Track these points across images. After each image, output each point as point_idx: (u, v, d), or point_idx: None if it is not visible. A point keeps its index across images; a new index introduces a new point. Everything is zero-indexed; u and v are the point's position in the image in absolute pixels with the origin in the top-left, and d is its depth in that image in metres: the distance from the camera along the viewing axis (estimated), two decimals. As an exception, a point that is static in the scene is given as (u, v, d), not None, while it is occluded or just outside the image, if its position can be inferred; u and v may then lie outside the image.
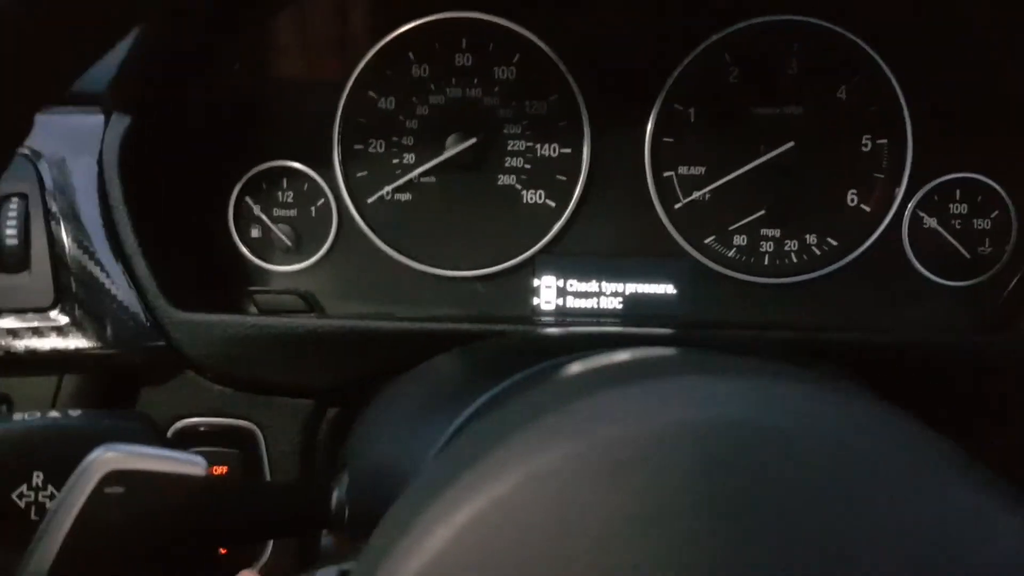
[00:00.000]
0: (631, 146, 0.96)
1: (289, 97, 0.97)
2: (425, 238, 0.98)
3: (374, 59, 0.96)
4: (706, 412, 0.37)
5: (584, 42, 0.95)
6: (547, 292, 0.97)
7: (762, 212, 0.95)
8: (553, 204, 0.97)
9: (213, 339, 0.83)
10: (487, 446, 0.38)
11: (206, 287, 0.94)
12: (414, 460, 0.53)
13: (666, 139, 0.96)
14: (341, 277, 0.98)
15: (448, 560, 0.35)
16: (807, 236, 0.96)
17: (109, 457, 0.48)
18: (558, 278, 0.97)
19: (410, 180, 0.97)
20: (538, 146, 0.97)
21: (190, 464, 0.49)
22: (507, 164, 0.97)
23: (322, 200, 0.97)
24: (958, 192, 0.95)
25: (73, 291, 0.83)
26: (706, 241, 0.97)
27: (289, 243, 0.97)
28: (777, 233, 0.97)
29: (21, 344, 0.82)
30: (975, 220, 0.96)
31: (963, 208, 0.96)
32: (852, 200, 0.96)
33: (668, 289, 0.97)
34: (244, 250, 0.98)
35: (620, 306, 0.97)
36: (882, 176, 0.95)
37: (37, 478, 0.55)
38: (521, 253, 0.97)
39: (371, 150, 0.97)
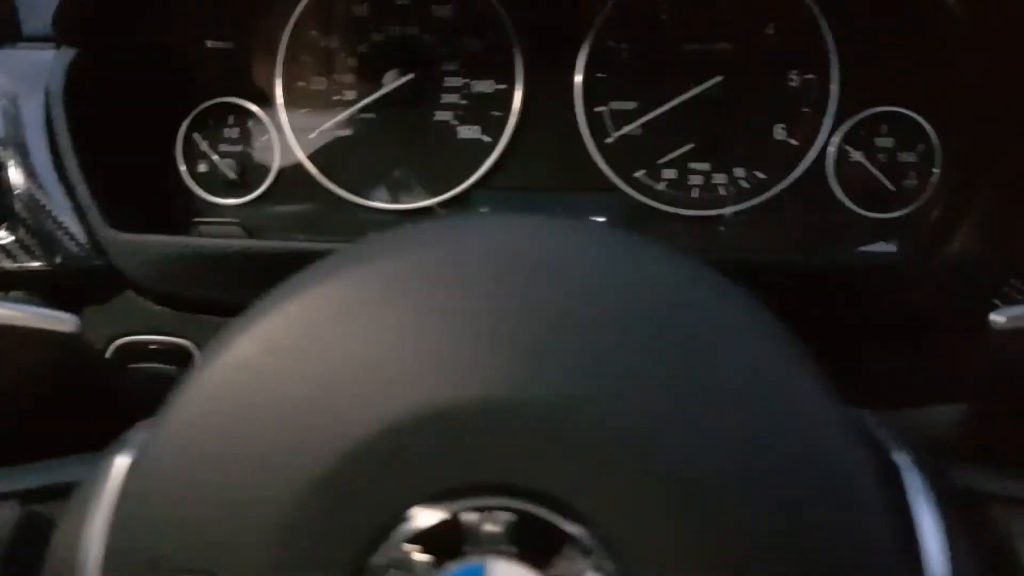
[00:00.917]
0: (563, 81, 0.99)
1: (234, 36, 1.00)
2: (365, 172, 1.01)
3: (315, -2, 1.00)
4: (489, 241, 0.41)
5: (517, -20, 0.98)
6: (483, 225, 1.00)
7: (691, 146, 0.98)
8: (488, 139, 1.00)
9: (149, 259, 0.87)
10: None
11: (155, 216, 0.98)
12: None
13: (598, 74, 0.99)
14: (283, 210, 1.02)
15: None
16: (735, 169, 0.99)
17: (-6, 313, 0.52)
18: (494, 211, 1.00)
19: (350, 116, 1.00)
20: (473, 83, 1.00)
21: (59, 321, 0.53)
22: (443, 100, 1.00)
23: (265, 136, 1.01)
24: (884, 127, 0.97)
25: (17, 213, 0.87)
26: (636, 175, 0.99)
27: (234, 176, 1.01)
28: (706, 167, 0.99)
29: (-34, 261, 0.87)
30: (900, 153, 0.97)
31: (889, 142, 0.97)
32: (779, 134, 0.98)
33: (600, 222, 1.00)
34: (191, 183, 1.02)
35: (554, 238, 1.00)
36: (808, 110, 0.98)
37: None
38: (457, 187, 1.00)
39: (313, 87, 1.01)
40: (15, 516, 0.41)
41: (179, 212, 1.01)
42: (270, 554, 0.37)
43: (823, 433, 0.39)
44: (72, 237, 0.88)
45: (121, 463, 0.43)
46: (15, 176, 0.88)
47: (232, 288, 0.88)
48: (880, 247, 0.97)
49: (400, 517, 0.37)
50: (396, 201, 1.01)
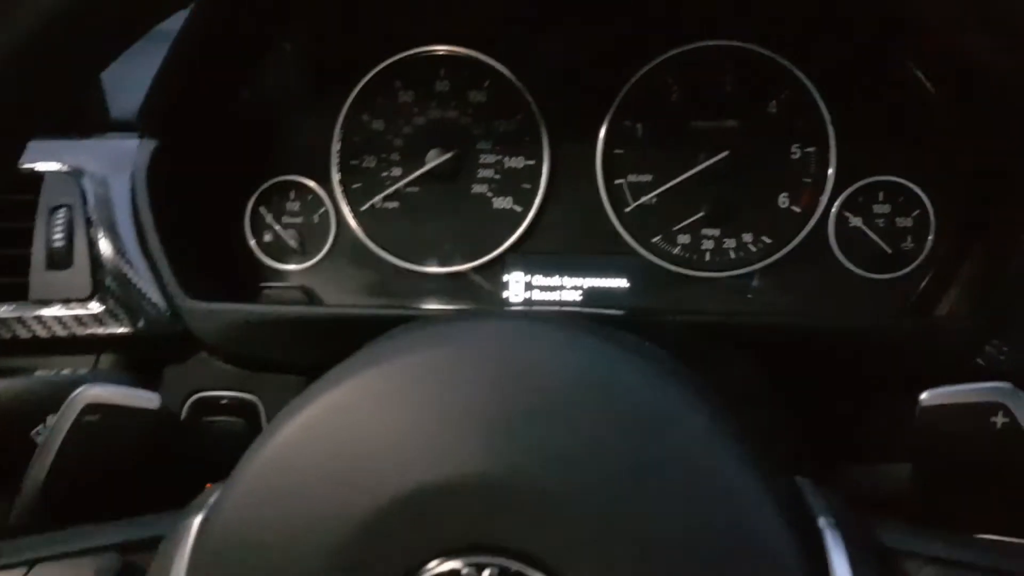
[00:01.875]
0: (585, 158, 1.10)
1: (294, 121, 1.13)
2: (409, 240, 1.13)
3: (366, 87, 1.12)
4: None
5: (542, 69, 1.09)
6: (515, 286, 1.11)
7: (703, 214, 1.08)
8: (519, 209, 1.11)
9: (220, 324, 0.99)
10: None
11: (225, 283, 1.11)
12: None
13: (617, 151, 1.09)
14: (339, 274, 1.14)
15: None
16: (743, 235, 1.08)
17: (88, 393, 0.64)
18: (525, 274, 1.11)
19: (397, 190, 1.12)
20: (505, 159, 1.11)
21: (145, 399, 0.65)
22: (479, 175, 1.12)
23: (323, 209, 1.14)
24: (881, 194, 1.06)
25: (107, 285, 1.00)
26: (653, 240, 1.10)
27: (295, 246, 1.14)
28: (717, 232, 1.09)
29: (64, 328, 1.00)
30: (897, 218, 1.06)
31: (886, 208, 1.06)
32: (783, 202, 1.07)
33: (621, 283, 1.10)
34: (258, 252, 1.14)
35: (580, 298, 1.10)
36: (810, 180, 1.07)
37: (50, 420, 0.71)
38: (492, 252, 1.12)
39: (364, 165, 1.13)
40: (117, 565, 0.53)
41: (248, 278, 1.14)
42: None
43: (748, 507, 0.48)
44: (153, 305, 1.01)
45: (195, 522, 0.54)
46: (105, 251, 1.01)
47: (292, 349, 1.01)
48: (877, 308, 1.05)
49: (420, 569, 0.48)
50: (438, 265, 1.12)
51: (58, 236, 1.00)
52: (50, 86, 0.52)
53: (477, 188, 1.12)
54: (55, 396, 0.72)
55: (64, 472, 0.65)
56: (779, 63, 1.06)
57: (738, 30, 1.06)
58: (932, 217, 1.05)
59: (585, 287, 1.10)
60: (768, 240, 1.08)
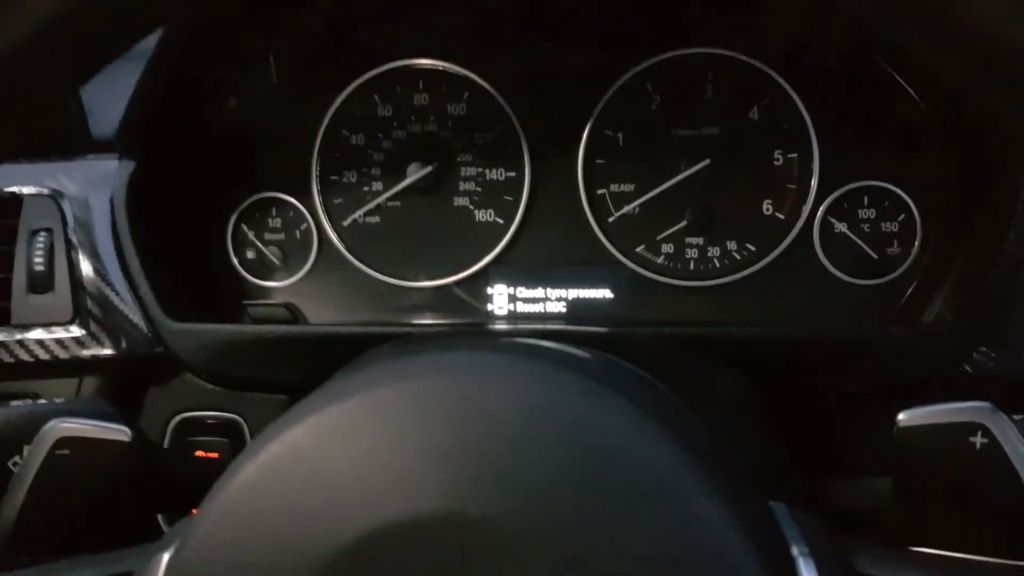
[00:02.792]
0: (566, 168, 1.09)
1: (273, 138, 1.13)
2: (392, 254, 1.12)
3: (344, 102, 1.12)
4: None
5: (522, 80, 1.08)
6: (499, 299, 1.11)
7: (685, 222, 1.07)
8: (501, 221, 1.11)
9: (201, 345, 0.99)
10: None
11: (207, 302, 1.10)
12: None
13: (598, 160, 1.09)
14: (322, 290, 1.14)
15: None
16: (728, 243, 1.07)
17: (59, 426, 0.64)
18: (508, 286, 1.11)
19: (378, 204, 1.12)
20: (487, 171, 1.11)
21: (118, 431, 0.65)
22: (461, 188, 1.11)
23: (305, 224, 1.13)
24: (866, 199, 1.05)
25: (89, 308, 1.00)
26: (637, 250, 1.09)
27: (278, 262, 1.13)
28: (700, 241, 1.08)
29: (46, 352, 1.00)
30: (883, 224, 1.05)
31: (871, 213, 1.05)
32: (767, 209, 1.07)
33: (606, 294, 1.09)
34: (241, 270, 1.14)
35: (564, 309, 1.10)
36: (794, 187, 1.06)
37: (26, 450, 0.71)
38: (475, 265, 1.11)
39: (345, 180, 1.13)
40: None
41: (231, 296, 1.13)
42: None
43: (717, 538, 0.47)
44: (135, 327, 1.00)
45: (164, 558, 0.54)
46: (86, 274, 1.01)
47: (276, 368, 1.01)
48: (864, 315, 1.05)
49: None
50: (422, 279, 1.12)
51: (39, 260, 1.00)
52: (20, 107, 0.52)
53: (459, 201, 1.12)
54: (32, 426, 0.72)
55: (37, 507, 0.65)
56: (760, 69, 1.05)
57: (718, 37, 1.05)
58: (918, 222, 1.04)
59: (569, 298, 1.10)
60: (752, 248, 1.07)
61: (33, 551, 0.67)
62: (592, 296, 1.09)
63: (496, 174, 1.11)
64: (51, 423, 0.65)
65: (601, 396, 0.51)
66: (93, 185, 1.05)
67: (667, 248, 1.09)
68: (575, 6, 1.07)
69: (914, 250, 1.04)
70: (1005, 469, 0.61)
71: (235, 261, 1.14)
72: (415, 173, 1.10)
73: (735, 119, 1.06)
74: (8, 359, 1.00)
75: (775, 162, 1.06)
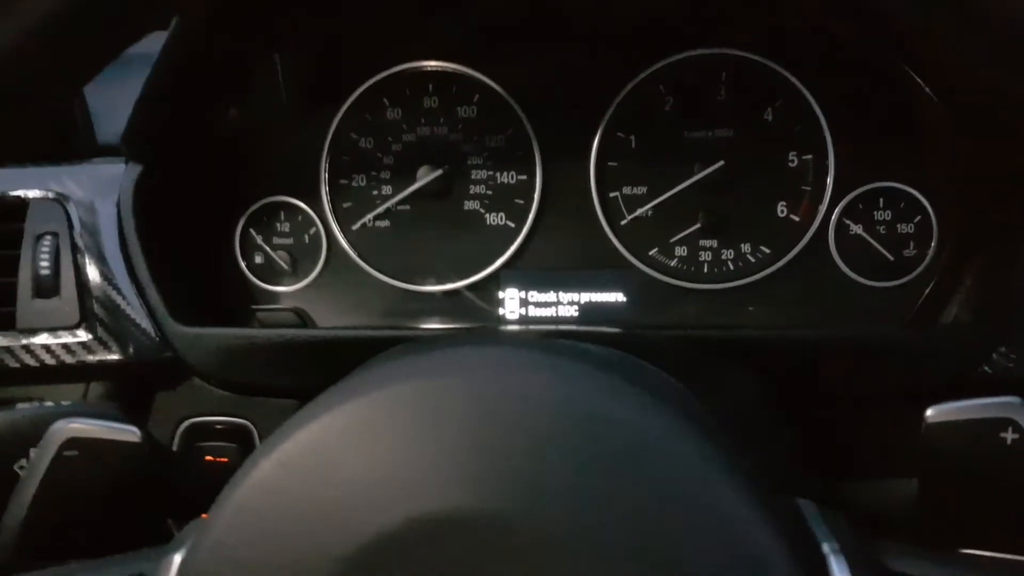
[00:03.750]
0: (578, 171, 1.08)
1: (281, 141, 1.12)
2: (402, 258, 1.11)
3: (353, 105, 1.10)
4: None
5: (532, 82, 1.07)
6: (511, 303, 1.10)
7: (698, 225, 1.06)
8: (513, 225, 1.10)
9: (210, 349, 0.97)
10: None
11: (216, 307, 1.09)
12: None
13: (610, 163, 1.07)
14: (331, 295, 1.12)
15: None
16: (742, 245, 1.06)
17: (67, 427, 0.62)
18: (520, 290, 1.09)
19: (388, 208, 1.10)
20: (497, 174, 1.10)
21: (127, 432, 0.63)
22: (471, 191, 1.10)
23: (314, 229, 1.12)
24: (881, 200, 1.04)
25: (95, 312, 0.99)
26: (650, 253, 1.08)
27: (287, 267, 1.12)
28: (714, 243, 1.07)
29: (52, 357, 0.98)
30: (899, 225, 1.04)
31: (887, 214, 1.04)
32: (782, 211, 1.05)
33: (618, 297, 1.08)
34: (249, 274, 1.13)
35: (576, 314, 1.08)
36: (809, 188, 1.05)
37: (32, 453, 0.70)
38: (486, 269, 1.10)
39: (354, 184, 1.12)
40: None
41: (239, 301, 1.12)
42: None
43: (748, 536, 0.46)
44: (143, 332, 0.99)
45: (175, 560, 0.52)
46: (93, 278, 1.00)
47: (285, 373, 0.99)
48: (880, 318, 1.03)
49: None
50: (432, 284, 1.10)
51: (44, 264, 0.99)
52: (22, 108, 0.51)
53: (469, 205, 1.10)
54: (38, 429, 0.70)
55: (45, 509, 0.63)
56: (774, 70, 1.04)
57: (731, 38, 1.04)
58: (935, 223, 1.03)
59: (581, 302, 1.08)
60: (767, 250, 1.06)
61: (41, 554, 0.65)
62: (605, 300, 1.08)
63: (507, 177, 1.10)
64: (59, 423, 0.63)
65: (627, 392, 0.50)
66: (99, 189, 1.03)
67: (680, 251, 1.07)
68: (587, 7, 1.06)
69: (931, 251, 1.03)
70: (1037, 465, 0.60)
71: (243, 266, 1.13)
72: (425, 176, 1.09)
73: (749, 120, 1.05)
74: (13, 364, 0.98)
75: (790, 163, 1.05)
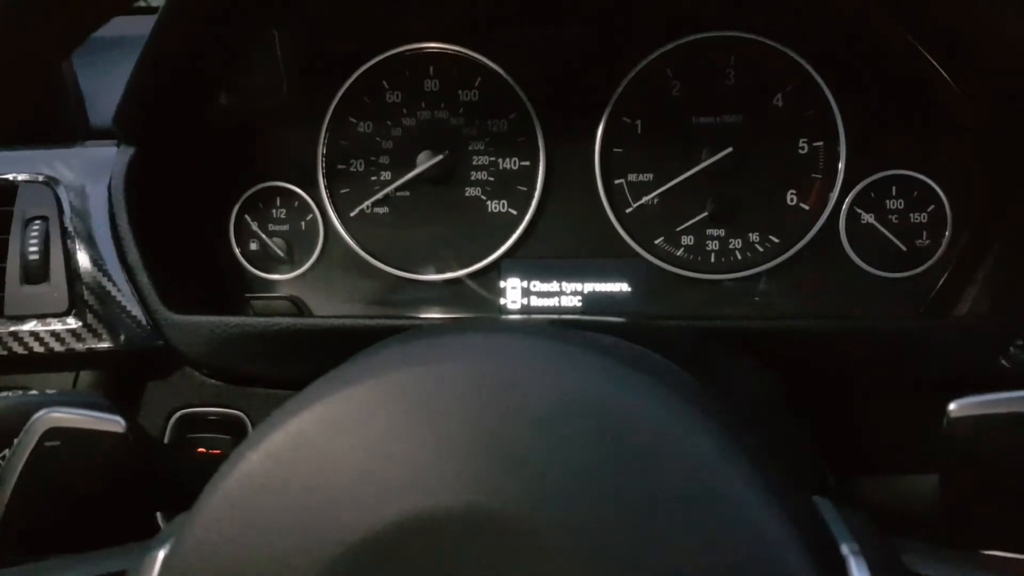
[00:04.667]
0: (583, 157, 1.05)
1: (278, 125, 1.09)
2: (401, 246, 1.08)
3: (352, 88, 1.08)
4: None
5: (536, 65, 1.05)
6: (512, 292, 1.07)
7: (705, 213, 1.03)
8: (515, 212, 1.07)
9: (201, 338, 0.94)
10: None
11: (209, 294, 1.06)
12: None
13: (615, 149, 1.05)
14: (328, 283, 1.10)
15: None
16: (750, 234, 1.03)
17: (49, 416, 0.60)
18: (522, 279, 1.07)
19: (387, 195, 1.08)
20: (500, 160, 1.07)
21: (112, 422, 0.60)
22: (472, 177, 1.07)
23: (310, 215, 1.09)
24: (894, 188, 1.01)
25: (85, 299, 0.96)
26: (656, 242, 1.05)
27: (282, 254, 1.09)
28: (722, 232, 1.04)
29: (41, 345, 0.96)
30: (912, 214, 1.01)
31: (899, 203, 1.01)
32: (792, 200, 1.03)
33: (623, 287, 1.05)
34: (244, 262, 1.10)
35: (580, 304, 1.06)
36: (819, 176, 1.02)
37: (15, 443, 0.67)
38: (487, 257, 1.07)
39: (352, 169, 1.09)
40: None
41: (233, 288, 1.09)
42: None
43: (765, 536, 0.43)
44: (134, 319, 0.96)
45: (159, 556, 0.50)
46: (83, 264, 0.97)
47: (278, 362, 0.96)
48: (893, 309, 1.00)
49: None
50: (432, 272, 1.08)
51: (33, 249, 0.96)
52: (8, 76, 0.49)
53: (470, 191, 1.08)
54: (21, 418, 0.68)
55: (25, 502, 0.60)
56: (784, 54, 1.01)
57: (740, 20, 1.02)
58: (948, 212, 1.00)
59: (585, 292, 1.06)
60: (776, 239, 1.03)
61: (21, 548, 0.62)
62: (609, 290, 1.05)
63: (509, 163, 1.07)
64: (40, 412, 0.60)
65: (639, 383, 0.47)
66: (91, 172, 1.01)
67: (687, 240, 1.05)
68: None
69: (944, 241, 1.00)
70: (1065, 462, 0.57)
71: (238, 252, 1.10)
72: (425, 162, 1.06)
73: (758, 106, 1.02)
74: (1, 352, 0.96)
75: (800, 150, 1.02)
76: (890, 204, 1.01)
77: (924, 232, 1.01)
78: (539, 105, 1.05)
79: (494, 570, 0.43)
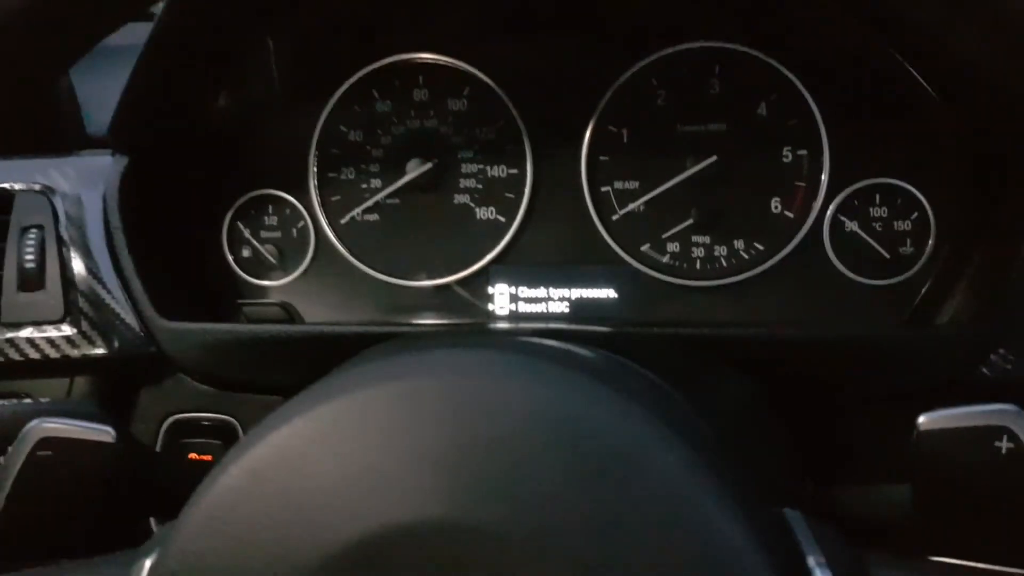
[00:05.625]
0: (569, 165, 1.06)
1: (270, 133, 1.10)
2: (391, 253, 1.10)
3: (343, 97, 1.09)
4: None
5: (523, 75, 1.06)
6: (501, 298, 1.08)
7: (691, 221, 1.04)
8: (503, 219, 1.08)
9: (194, 345, 0.96)
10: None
11: (202, 301, 1.08)
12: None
13: (602, 157, 1.06)
14: (320, 289, 1.11)
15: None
16: (735, 241, 1.05)
17: (40, 427, 0.61)
18: (510, 285, 1.08)
19: (377, 202, 1.09)
20: (488, 167, 1.08)
21: (101, 432, 0.62)
22: (461, 185, 1.09)
23: (302, 222, 1.11)
24: (877, 196, 1.02)
25: (80, 306, 0.97)
26: (642, 249, 1.06)
27: (274, 261, 1.11)
28: (707, 239, 1.05)
29: (37, 351, 0.97)
30: (895, 222, 1.02)
31: (883, 211, 1.02)
32: (776, 207, 1.04)
33: (610, 294, 1.06)
34: (236, 268, 1.12)
35: (567, 310, 1.07)
36: (803, 184, 1.03)
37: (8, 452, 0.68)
38: (476, 263, 1.08)
39: (343, 177, 1.10)
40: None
41: (225, 295, 1.11)
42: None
43: (731, 550, 0.45)
44: (127, 326, 0.98)
45: (146, 564, 0.51)
46: (78, 272, 0.99)
47: (270, 369, 0.98)
48: (876, 316, 1.02)
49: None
50: (421, 278, 1.09)
51: (29, 257, 0.98)
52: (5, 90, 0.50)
53: (459, 199, 1.09)
54: (14, 426, 0.69)
55: (18, 511, 0.62)
56: (768, 63, 1.02)
57: (724, 30, 1.03)
58: (932, 220, 1.01)
59: (572, 298, 1.07)
60: (760, 247, 1.04)
61: (13, 557, 0.64)
62: (596, 296, 1.07)
63: (497, 171, 1.08)
64: (33, 423, 0.62)
65: (608, 398, 0.49)
66: (86, 181, 1.02)
67: (673, 247, 1.06)
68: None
69: (928, 249, 1.01)
70: (1032, 474, 0.58)
71: (230, 259, 1.12)
72: (415, 170, 1.08)
73: (742, 115, 1.04)
74: (-2, 358, 0.98)
75: (784, 159, 1.04)
76: (874, 212, 1.03)
77: (908, 239, 1.02)
78: (526, 114, 1.06)
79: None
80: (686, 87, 1.04)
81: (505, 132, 1.07)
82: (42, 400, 0.75)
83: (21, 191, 1.01)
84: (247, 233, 1.11)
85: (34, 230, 0.99)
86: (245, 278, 1.12)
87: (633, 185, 1.06)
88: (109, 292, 0.98)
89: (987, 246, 0.96)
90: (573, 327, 1.00)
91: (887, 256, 1.02)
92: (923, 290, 1.01)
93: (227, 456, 0.49)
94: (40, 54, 0.49)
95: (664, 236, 1.06)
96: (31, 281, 0.98)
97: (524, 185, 1.07)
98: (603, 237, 1.06)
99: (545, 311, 1.07)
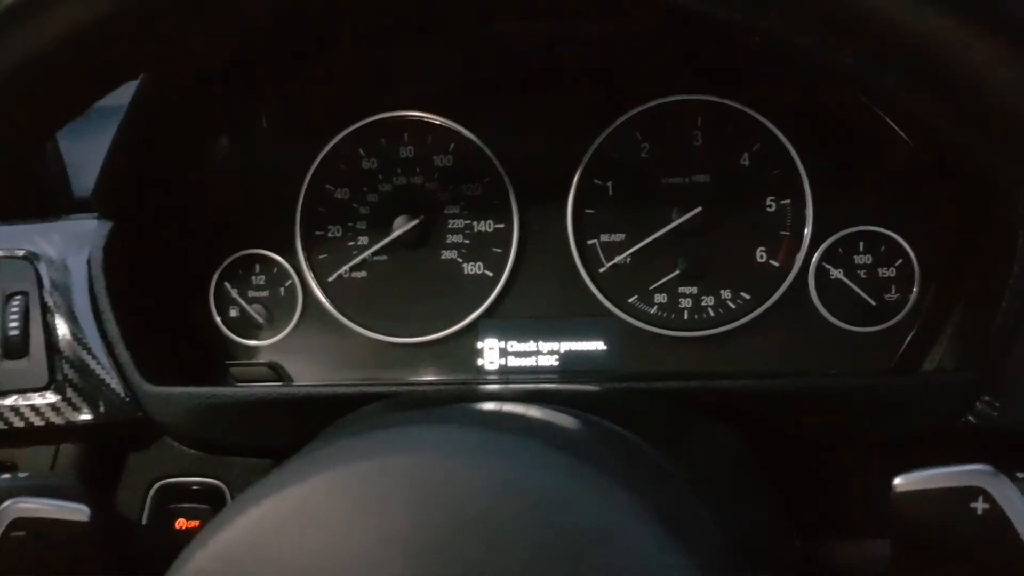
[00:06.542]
0: (556, 218, 1.07)
1: (255, 194, 1.11)
2: (380, 310, 1.09)
3: (328, 155, 1.09)
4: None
5: (508, 130, 1.06)
6: (490, 353, 1.08)
7: (677, 272, 1.04)
8: (491, 274, 1.08)
9: (180, 409, 0.95)
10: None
11: (190, 363, 1.07)
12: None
13: (588, 210, 1.06)
14: (308, 348, 1.11)
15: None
16: (722, 291, 1.05)
17: (14, 507, 0.61)
18: (499, 340, 1.08)
19: (364, 259, 1.09)
20: (474, 223, 1.08)
21: (75, 511, 0.61)
22: (448, 240, 1.09)
23: (289, 281, 1.11)
24: (861, 244, 1.03)
25: (65, 373, 0.97)
26: (630, 301, 1.06)
27: (262, 320, 1.10)
28: (694, 290, 1.05)
29: (21, 419, 0.96)
30: (880, 269, 1.03)
31: (867, 259, 1.03)
32: (761, 257, 1.04)
33: (599, 346, 1.06)
34: (224, 329, 1.11)
35: (557, 363, 1.07)
36: (787, 233, 1.04)
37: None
38: (465, 319, 1.08)
39: (329, 235, 1.10)
40: None
41: (213, 355, 1.10)
42: None
43: None
44: (113, 392, 0.97)
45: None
46: (63, 338, 0.98)
47: (258, 431, 0.97)
48: (862, 363, 1.02)
49: None
50: (410, 335, 1.09)
51: (13, 325, 0.97)
52: None
53: (447, 254, 1.09)
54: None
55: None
56: (749, 115, 1.03)
57: (706, 84, 1.04)
58: (916, 267, 1.02)
59: (562, 351, 1.07)
60: (747, 296, 1.05)
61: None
62: (585, 348, 1.07)
63: (484, 226, 1.08)
64: (7, 503, 0.61)
65: (576, 473, 0.49)
66: (71, 246, 1.02)
67: (660, 298, 1.06)
68: (560, 55, 1.06)
69: (912, 295, 1.02)
70: (1008, 536, 0.58)
71: (218, 320, 1.11)
72: (401, 227, 1.08)
73: (726, 166, 1.04)
74: (-18, 426, 0.97)
75: (768, 208, 1.04)
76: (858, 259, 1.03)
77: (893, 286, 1.02)
78: (511, 169, 1.07)
79: None
80: (669, 139, 1.05)
81: (491, 187, 1.07)
82: (20, 475, 0.75)
83: (4, 258, 1.00)
84: (234, 293, 1.11)
85: (18, 297, 0.99)
86: (233, 338, 1.11)
87: (619, 237, 1.06)
88: (94, 357, 0.98)
89: (971, 293, 0.96)
90: (559, 387, 0.99)
91: (872, 303, 1.02)
92: (909, 337, 1.02)
93: (196, 539, 0.49)
94: (26, 121, 0.48)
95: (651, 287, 1.06)
96: (15, 349, 0.97)
97: (511, 239, 1.07)
98: (591, 290, 1.06)
99: (535, 364, 1.07)
